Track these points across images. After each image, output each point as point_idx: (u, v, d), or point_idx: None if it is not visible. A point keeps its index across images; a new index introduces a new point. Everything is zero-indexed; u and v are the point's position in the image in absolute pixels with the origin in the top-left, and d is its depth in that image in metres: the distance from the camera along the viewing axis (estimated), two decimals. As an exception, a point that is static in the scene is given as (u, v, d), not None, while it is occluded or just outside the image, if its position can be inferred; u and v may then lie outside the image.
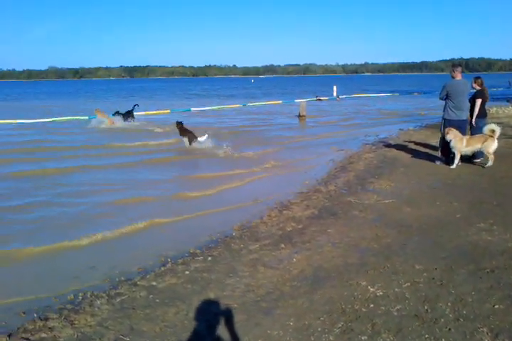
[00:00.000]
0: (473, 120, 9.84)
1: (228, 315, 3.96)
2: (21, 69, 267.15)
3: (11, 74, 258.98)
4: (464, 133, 9.30)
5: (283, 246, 5.54)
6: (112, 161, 11.62)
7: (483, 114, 10.02)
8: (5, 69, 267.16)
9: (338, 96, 36.78)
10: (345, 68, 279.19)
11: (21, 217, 7.13)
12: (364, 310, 3.94)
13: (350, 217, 6.56)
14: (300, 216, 6.68)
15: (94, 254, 5.73)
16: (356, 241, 5.58)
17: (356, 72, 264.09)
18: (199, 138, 13.29)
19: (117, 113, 19.57)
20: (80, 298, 4.45)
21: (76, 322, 3.96)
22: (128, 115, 19.63)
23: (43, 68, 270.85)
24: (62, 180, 9.50)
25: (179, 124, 13.84)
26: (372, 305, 4.01)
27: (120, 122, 19.00)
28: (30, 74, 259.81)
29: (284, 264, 5.01)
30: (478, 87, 9.91)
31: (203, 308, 4.10)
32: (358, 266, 4.85)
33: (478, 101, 9.77)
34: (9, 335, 3.78)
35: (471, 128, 10.01)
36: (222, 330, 3.75)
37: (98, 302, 4.29)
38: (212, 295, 4.33)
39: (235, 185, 9.03)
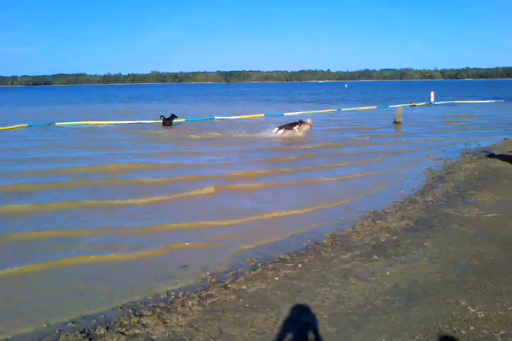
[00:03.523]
0: None
1: (318, 326, 3.86)
2: (126, 74, 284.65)
3: (117, 77, 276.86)
4: None
5: (376, 257, 5.35)
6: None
7: None
8: (112, 73, 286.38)
9: (430, 103, 35.39)
10: (444, 73, 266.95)
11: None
12: (463, 332, 3.68)
13: (449, 230, 6.20)
14: (395, 227, 6.42)
15: (185, 254, 5.83)
16: (455, 257, 5.26)
17: (456, 78, 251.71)
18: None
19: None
20: (173, 296, 4.57)
21: (168, 320, 4.05)
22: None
23: (145, 72, 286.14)
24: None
25: None
26: (472, 328, 3.73)
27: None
28: (134, 78, 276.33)
29: (376, 277, 4.83)
30: None
31: (292, 317, 4.04)
32: (457, 284, 4.55)
33: None
34: (107, 328, 3.95)
35: None
36: (311, 341, 3.67)
37: (189, 302, 4.37)
38: (301, 304, 4.26)
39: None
